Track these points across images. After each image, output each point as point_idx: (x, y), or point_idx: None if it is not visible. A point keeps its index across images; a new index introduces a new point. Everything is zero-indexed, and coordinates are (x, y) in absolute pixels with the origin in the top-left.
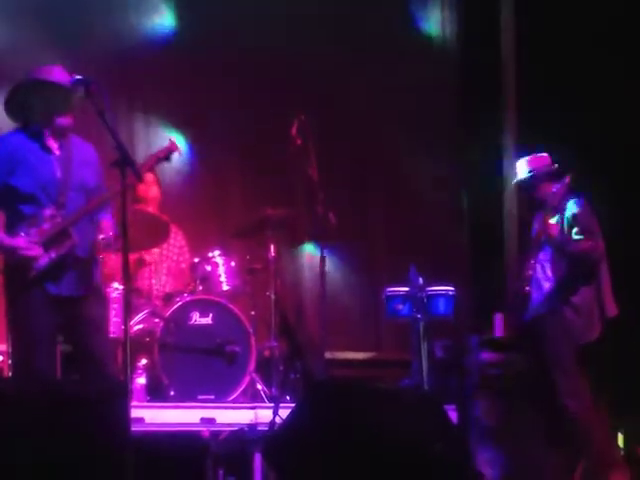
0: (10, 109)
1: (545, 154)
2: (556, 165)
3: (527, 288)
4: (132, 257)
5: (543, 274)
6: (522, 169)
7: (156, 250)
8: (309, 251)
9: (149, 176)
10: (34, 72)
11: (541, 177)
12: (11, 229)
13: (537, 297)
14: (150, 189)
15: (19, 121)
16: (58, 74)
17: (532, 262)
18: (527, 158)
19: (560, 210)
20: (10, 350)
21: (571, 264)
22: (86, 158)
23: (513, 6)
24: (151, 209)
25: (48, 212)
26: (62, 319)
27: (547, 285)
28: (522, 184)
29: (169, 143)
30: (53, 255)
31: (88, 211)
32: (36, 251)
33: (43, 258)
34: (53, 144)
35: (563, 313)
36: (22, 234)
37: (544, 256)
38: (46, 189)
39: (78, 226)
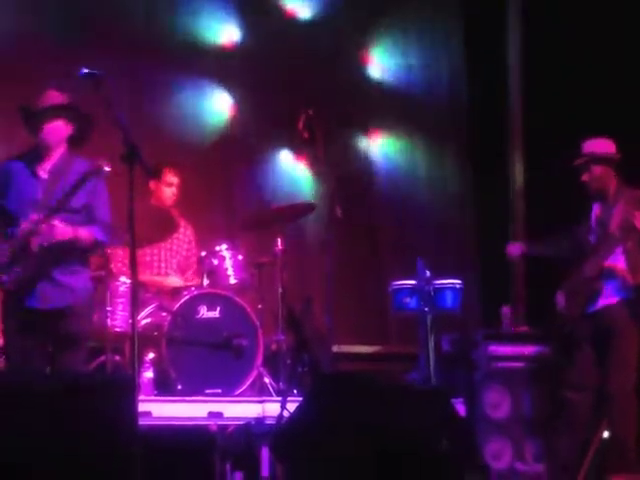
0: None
1: (610, 140)
2: (619, 155)
3: (599, 279)
4: None
5: (615, 265)
6: (583, 151)
7: (166, 245)
8: None
9: (174, 179)
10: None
11: (596, 162)
12: None
13: (608, 288)
14: (171, 191)
15: None
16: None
17: (604, 254)
18: (588, 141)
19: None
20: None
21: None
22: (78, 180)
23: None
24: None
25: (21, 230)
26: (41, 331)
27: (621, 276)
28: (578, 166)
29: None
30: (19, 271)
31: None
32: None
33: (10, 274)
34: (43, 168)
35: (636, 305)
36: None
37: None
38: (25, 210)
39: (52, 244)
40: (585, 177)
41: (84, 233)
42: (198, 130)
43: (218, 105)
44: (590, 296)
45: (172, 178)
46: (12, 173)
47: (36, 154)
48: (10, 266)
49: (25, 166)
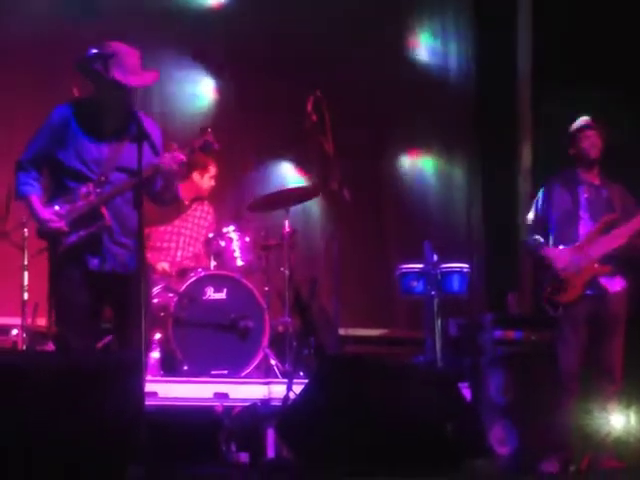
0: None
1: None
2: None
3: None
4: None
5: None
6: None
7: (185, 232)
8: None
9: (212, 169)
10: (117, 51)
11: (602, 134)
12: (50, 200)
13: (613, 272)
14: (209, 180)
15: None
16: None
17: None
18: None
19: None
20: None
21: None
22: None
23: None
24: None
25: (84, 189)
26: (106, 295)
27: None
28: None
29: (207, 134)
30: (82, 233)
31: (122, 190)
32: (61, 225)
33: (72, 235)
34: (110, 123)
35: (628, 291)
36: (56, 207)
37: None
38: (90, 166)
39: (116, 206)
40: (588, 143)
41: None
42: (205, 112)
43: (220, 89)
44: (593, 277)
45: (214, 169)
46: (72, 120)
47: (96, 107)
48: (74, 228)
49: (88, 114)
